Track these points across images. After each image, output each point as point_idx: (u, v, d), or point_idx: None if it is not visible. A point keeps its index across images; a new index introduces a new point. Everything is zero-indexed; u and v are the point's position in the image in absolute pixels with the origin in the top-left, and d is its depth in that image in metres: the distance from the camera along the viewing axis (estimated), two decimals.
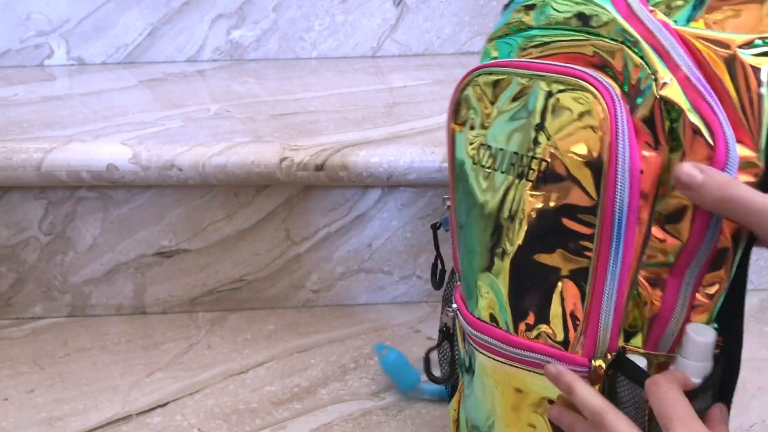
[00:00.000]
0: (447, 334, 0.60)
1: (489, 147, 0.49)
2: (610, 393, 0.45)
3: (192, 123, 0.85)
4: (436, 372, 0.61)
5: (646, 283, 0.45)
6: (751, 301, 0.73)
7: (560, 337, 0.46)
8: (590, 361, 0.45)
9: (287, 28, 1.16)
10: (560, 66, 0.45)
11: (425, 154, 0.76)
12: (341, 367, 0.75)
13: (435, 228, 0.62)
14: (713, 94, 0.41)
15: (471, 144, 0.51)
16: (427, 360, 0.60)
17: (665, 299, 0.44)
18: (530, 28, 0.50)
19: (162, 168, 0.76)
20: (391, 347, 0.72)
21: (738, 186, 0.39)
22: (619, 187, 0.41)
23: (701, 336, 0.44)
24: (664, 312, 0.44)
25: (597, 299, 0.44)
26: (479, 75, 0.50)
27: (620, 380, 0.45)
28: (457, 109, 0.52)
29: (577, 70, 0.44)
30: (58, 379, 0.74)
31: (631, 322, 0.46)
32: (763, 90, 0.40)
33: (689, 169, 0.39)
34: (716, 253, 0.43)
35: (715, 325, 0.45)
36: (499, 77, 0.49)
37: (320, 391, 0.72)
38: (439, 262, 0.63)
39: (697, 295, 0.44)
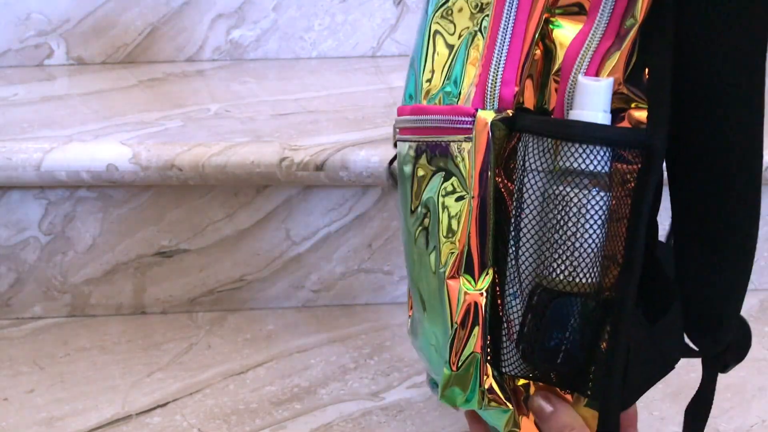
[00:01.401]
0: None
1: None
2: (524, 159, 0.39)
3: (192, 123, 0.85)
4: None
5: (552, 31, 0.39)
6: (751, 302, 0.73)
7: (456, 92, 0.41)
8: (476, 111, 0.39)
9: (287, 27, 1.16)
10: None
11: None
12: (341, 367, 0.75)
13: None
14: None
15: None
16: (390, 168, 0.58)
17: (570, 47, 0.38)
18: None
19: (162, 168, 0.75)
20: None
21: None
22: None
23: (593, 80, 0.37)
24: (567, 62, 0.38)
25: (492, 36, 0.39)
26: None
27: (525, 143, 0.39)
28: None
29: None
30: (58, 379, 0.74)
31: (540, 104, 0.40)
32: None
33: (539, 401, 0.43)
34: None
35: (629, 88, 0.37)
36: None
37: (320, 391, 0.72)
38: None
39: (607, 45, 0.37)
